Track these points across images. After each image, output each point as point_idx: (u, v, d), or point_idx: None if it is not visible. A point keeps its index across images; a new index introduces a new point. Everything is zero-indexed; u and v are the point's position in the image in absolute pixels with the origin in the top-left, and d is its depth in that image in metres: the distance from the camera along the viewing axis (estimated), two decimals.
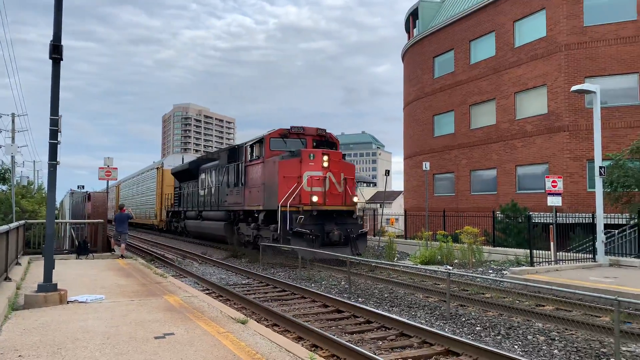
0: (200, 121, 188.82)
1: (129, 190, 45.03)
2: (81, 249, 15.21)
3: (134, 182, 43.24)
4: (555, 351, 6.42)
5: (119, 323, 6.33)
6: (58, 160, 8.04)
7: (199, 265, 16.18)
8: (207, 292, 10.99)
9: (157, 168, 33.71)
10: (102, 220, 16.73)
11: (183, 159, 32.47)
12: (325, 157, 15.91)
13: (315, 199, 15.33)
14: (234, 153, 20.29)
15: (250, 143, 18.54)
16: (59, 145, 8.00)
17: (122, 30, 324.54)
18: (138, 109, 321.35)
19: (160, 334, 5.75)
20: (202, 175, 24.26)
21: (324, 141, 18.04)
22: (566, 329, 7.42)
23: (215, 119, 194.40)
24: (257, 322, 7.54)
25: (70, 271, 11.74)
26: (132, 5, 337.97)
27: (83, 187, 25.05)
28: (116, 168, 17.34)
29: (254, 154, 18.23)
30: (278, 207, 15.39)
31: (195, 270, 14.60)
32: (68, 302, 7.75)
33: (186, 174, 26.94)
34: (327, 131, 18.34)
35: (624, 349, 6.28)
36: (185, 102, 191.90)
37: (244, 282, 12.75)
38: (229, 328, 6.08)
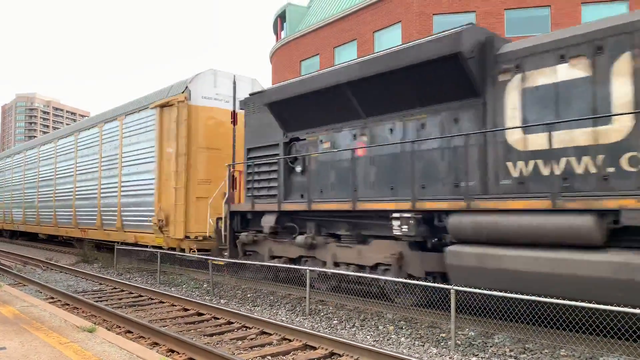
0: (48, 113, 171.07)
1: (23, 172, 25.09)
2: None
3: (45, 153, 22.62)
4: (402, 339, 6.94)
5: None
6: None
7: (43, 272, 14.62)
8: (51, 300, 9.98)
9: (171, 104, 14.06)
10: None
11: (236, 80, 14.71)
12: None
13: None
14: None
15: None
16: None
17: None
18: None
19: None
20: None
21: None
22: (412, 318, 8.06)
23: (67, 111, 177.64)
24: (108, 329, 7.06)
25: None
26: None
27: None
28: None
29: None
30: None
31: (38, 278, 13.16)
32: None
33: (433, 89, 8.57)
34: None
35: (459, 332, 7.00)
36: (30, 92, 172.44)
37: (95, 288, 11.81)
38: (73, 338, 5.57)
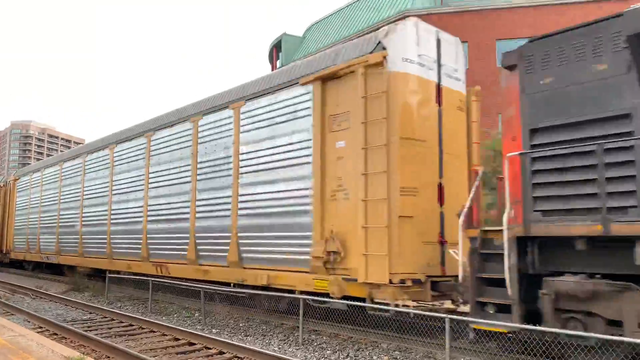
0: (43, 140, 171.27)
1: (59, 189, 19.82)
2: None
3: (92, 164, 17.66)
4: None
5: None
6: None
7: (32, 301, 14.38)
8: (39, 330, 9.79)
9: (345, 73, 9.04)
10: None
11: (440, 38, 9.25)
12: None
13: None
14: None
15: None
16: None
17: None
18: None
19: None
20: None
21: None
22: (407, 348, 7.95)
23: (62, 138, 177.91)
24: None
25: None
26: None
27: None
28: None
29: None
30: None
31: (27, 307, 12.94)
32: None
33: None
34: None
35: None
36: (25, 119, 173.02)
37: (85, 317, 11.62)
38: None
